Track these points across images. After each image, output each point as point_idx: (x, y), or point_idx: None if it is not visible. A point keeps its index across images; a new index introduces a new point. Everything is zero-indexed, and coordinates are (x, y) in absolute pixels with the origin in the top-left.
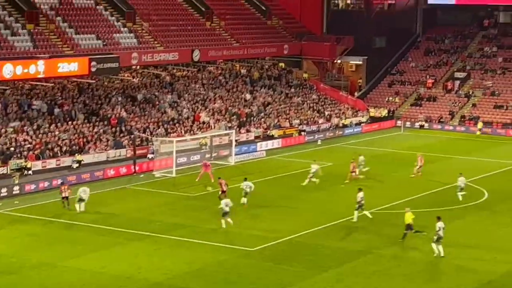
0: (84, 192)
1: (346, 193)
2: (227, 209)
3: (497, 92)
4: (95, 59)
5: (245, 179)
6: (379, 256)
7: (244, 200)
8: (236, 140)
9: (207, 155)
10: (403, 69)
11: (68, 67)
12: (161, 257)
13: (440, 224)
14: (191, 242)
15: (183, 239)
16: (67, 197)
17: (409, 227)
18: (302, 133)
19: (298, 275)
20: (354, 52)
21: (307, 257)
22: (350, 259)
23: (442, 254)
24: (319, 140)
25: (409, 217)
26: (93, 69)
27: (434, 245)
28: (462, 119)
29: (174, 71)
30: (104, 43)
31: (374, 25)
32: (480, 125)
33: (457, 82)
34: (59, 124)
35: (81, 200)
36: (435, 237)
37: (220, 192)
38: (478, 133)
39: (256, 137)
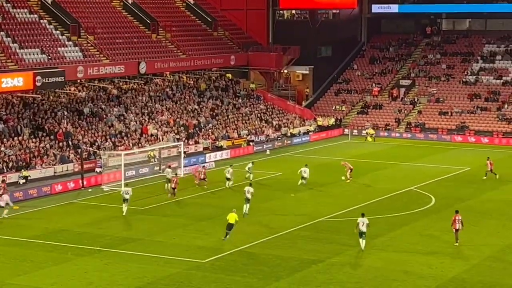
0: (126, 193)
1: (296, 203)
2: (126, 196)
3: (441, 99)
4: (40, 73)
5: (250, 184)
6: (330, 264)
7: (245, 208)
8: (184, 152)
9: (156, 168)
10: (349, 78)
11: (12, 82)
12: (112, 272)
13: (362, 220)
14: (142, 255)
15: (133, 253)
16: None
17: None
18: (251, 143)
19: (250, 285)
20: (300, 61)
21: (258, 267)
22: (301, 268)
23: (362, 248)
24: (268, 150)
25: (232, 218)
26: (38, 84)
27: (360, 240)
28: (408, 126)
29: (121, 84)
30: (49, 57)
31: (319, 34)
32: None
33: (403, 90)
34: (4, 140)
35: (125, 200)
36: (358, 232)
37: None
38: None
39: (205, 149)
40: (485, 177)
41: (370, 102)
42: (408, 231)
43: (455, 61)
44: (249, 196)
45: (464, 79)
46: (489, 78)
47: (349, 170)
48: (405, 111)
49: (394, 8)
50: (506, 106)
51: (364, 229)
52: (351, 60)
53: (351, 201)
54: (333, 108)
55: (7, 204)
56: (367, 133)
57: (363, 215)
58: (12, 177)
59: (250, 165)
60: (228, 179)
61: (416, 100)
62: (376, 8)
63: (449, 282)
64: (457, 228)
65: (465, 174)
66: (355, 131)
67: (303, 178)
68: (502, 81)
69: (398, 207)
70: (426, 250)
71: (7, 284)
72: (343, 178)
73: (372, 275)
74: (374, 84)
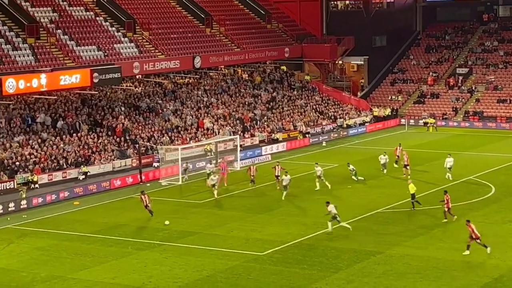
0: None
1: (351, 194)
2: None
3: (499, 86)
4: (97, 70)
5: (286, 173)
6: (389, 255)
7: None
8: (241, 145)
9: (213, 161)
10: (405, 67)
11: (70, 79)
12: (171, 265)
13: (330, 207)
14: (200, 249)
15: (192, 246)
16: (147, 206)
17: (413, 196)
18: (307, 135)
19: (309, 277)
20: (355, 52)
21: (317, 259)
22: (360, 260)
23: (330, 230)
24: (324, 142)
25: (412, 188)
26: (95, 80)
27: (329, 223)
28: (466, 115)
29: (176, 78)
30: (105, 53)
31: (373, 24)
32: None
33: (460, 78)
34: (63, 136)
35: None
36: (331, 217)
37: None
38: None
39: (260, 141)
40: None
41: (426, 91)
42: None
43: None
44: (285, 183)
45: None
46: None
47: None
48: (463, 100)
49: None
50: None
51: (334, 211)
52: (406, 50)
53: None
54: (389, 98)
55: None
56: (425, 123)
57: (327, 203)
58: (72, 173)
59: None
60: (285, 187)
61: (473, 88)
62: None
63: (510, 272)
64: (449, 206)
65: None
66: (411, 121)
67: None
68: None
69: (458, 196)
70: (487, 240)
71: (69, 279)
72: (395, 165)
73: (432, 265)
74: (430, 73)
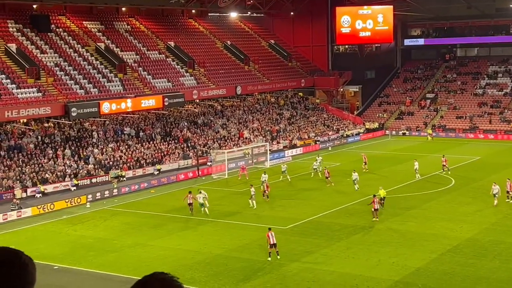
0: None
1: (351, 184)
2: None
3: (457, 107)
4: (167, 96)
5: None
6: (377, 229)
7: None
8: (270, 150)
9: (249, 161)
10: (388, 93)
11: (148, 102)
12: (220, 236)
13: (252, 189)
14: (241, 224)
15: (235, 222)
16: (191, 204)
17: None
18: (317, 142)
19: (319, 245)
20: (352, 82)
21: (324, 231)
22: (356, 232)
23: (255, 206)
24: (330, 147)
25: (382, 193)
26: (166, 103)
27: (250, 201)
28: (433, 127)
29: (223, 102)
30: (173, 84)
31: (366, 62)
32: (429, 131)
33: (428, 101)
34: (144, 143)
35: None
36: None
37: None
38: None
39: (284, 147)
40: (443, 172)
41: (404, 110)
42: (435, 204)
43: (467, 79)
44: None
45: (474, 92)
46: (493, 91)
47: (364, 163)
48: (431, 117)
49: (420, 41)
50: (506, 111)
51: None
52: (389, 80)
53: (393, 182)
54: (377, 115)
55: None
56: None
57: (251, 186)
58: (150, 170)
59: (318, 159)
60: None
61: (438, 108)
62: (407, 42)
63: (466, 241)
64: (376, 208)
65: (477, 162)
66: (393, 132)
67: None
68: (503, 93)
69: (428, 186)
70: (449, 218)
71: (148, 245)
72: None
73: (409, 237)
74: (407, 97)
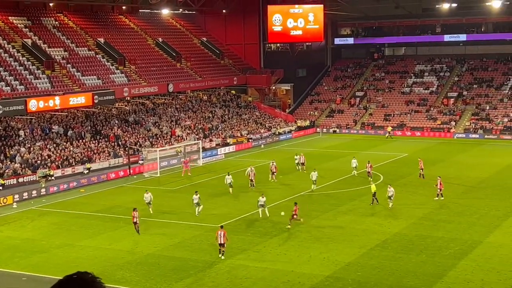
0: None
1: (284, 181)
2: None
3: (386, 105)
4: (97, 93)
5: (262, 195)
6: (308, 226)
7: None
8: (202, 147)
9: (182, 159)
10: (319, 91)
11: (77, 100)
12: (152, 235)
13: (261, 199)
14: (173, 223)
15: (168, 221)
16: (136, 223)
17: (374, 194)
18: (250, 140)
19: (251, 242)
20: (283, 80)
21: (257, 229)
22: (287, 229)
23: (268, 215)
24: (262, 145)
25: (373, 188)
26: (96, 101)
27: (260, 210)
28: (363, 125)
29: (155, 99)
30: (103, 81)
31: (297, 60)
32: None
33: (358, 99)
34: (73, 142)
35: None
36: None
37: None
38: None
39: (216, 145)
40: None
41: (334, 108)
42: (364, 200)
43: (395, 77)
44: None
45: (402, 90)
46: (420, 89)
47: (302, 163)
48: (360, 114)
49: (350, 40)
50: (432, 109)
51: (262, 202)
52: (320, 79)
53: (326, 179)
54: (308, 113)
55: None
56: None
57: (263, 195)
58: (79, 168)
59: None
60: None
61: (367, 106)
62: (337, 41)
63: (394, 236)
64: (295, 214)
65: (404, 158)
66: (324, 130)
67: (298, 164)
68: (429, 91)
69: (357, 182)
70: (378, 214)
71: (77, 245)
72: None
73: (339, 232)
74: (337, 96)
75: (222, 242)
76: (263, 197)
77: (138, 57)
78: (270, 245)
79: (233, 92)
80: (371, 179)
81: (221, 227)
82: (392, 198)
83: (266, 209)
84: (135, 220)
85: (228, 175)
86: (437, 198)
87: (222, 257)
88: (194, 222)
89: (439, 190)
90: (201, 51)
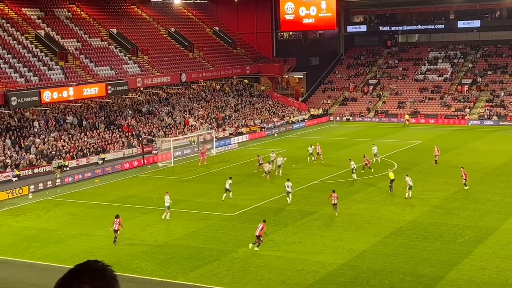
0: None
1: (297, 170)
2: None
3: (399, 92)
4: (110, 84)
5: (288, 180)
6: (322, 214)
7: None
8: (215, 137)
9: (198, 149)
10: (332, 80)
11: (90, 91)
12: (166, 224)
13: (287, 184)
14: (187, 212)
15: (182, 211)
16: (117, 230)
17: (391, 181)
18: (263, 129)
19: (266, 230)
20: (296, 69)
21: (272, 217)
22: (302, 217)
23: (289, 202)
24: (276, 134)
25: (391, 175)
26: (109, 92)
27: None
28: (376, 113)
29: (168, 89)
30: (116, 72)
31: (310, 49)
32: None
33: (371, 87)
34: (87, 133)
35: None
36: (287, 193)
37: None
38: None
39: (230, 134)
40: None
41: (348, 96)
42: (379, 188)
43: (408, 64)
44: (289, 190)
45: (415, 78)
46: (434, 76)
47: (318, 153)
48: (373, 102)
49: (363, 28)
50: (446, 96)
51: (289, 189)
52: (333, 67)
53: (337, 168)
54: (321, 101)
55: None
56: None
57: (288, 180)
58: (93, 159)
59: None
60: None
61: (381, 94)
62: (350, 29)
63: (409, 224)
64: (334, 202)
65: (418, 146)
66: (337, 118)
67: (310, 154)
68: (443, 78)
69: (371, 171)
70: (392, 202)
71: (92, 235)
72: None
73: (353, 220)
74: (350, 84)
75: (258, 234)
76: (289, 182)
77: (151, 47)
78: (285, 234)
79: (246, 81)
80: (371, 169)
81: (264, 221)
82: (411, 188)
83: (291, 195)
84: (116, 228)
85: (230, 179)
86: (466, 188)
87: (256, 248)
88: (208, 212)
89: (464, 180)
90: (213, 40)
